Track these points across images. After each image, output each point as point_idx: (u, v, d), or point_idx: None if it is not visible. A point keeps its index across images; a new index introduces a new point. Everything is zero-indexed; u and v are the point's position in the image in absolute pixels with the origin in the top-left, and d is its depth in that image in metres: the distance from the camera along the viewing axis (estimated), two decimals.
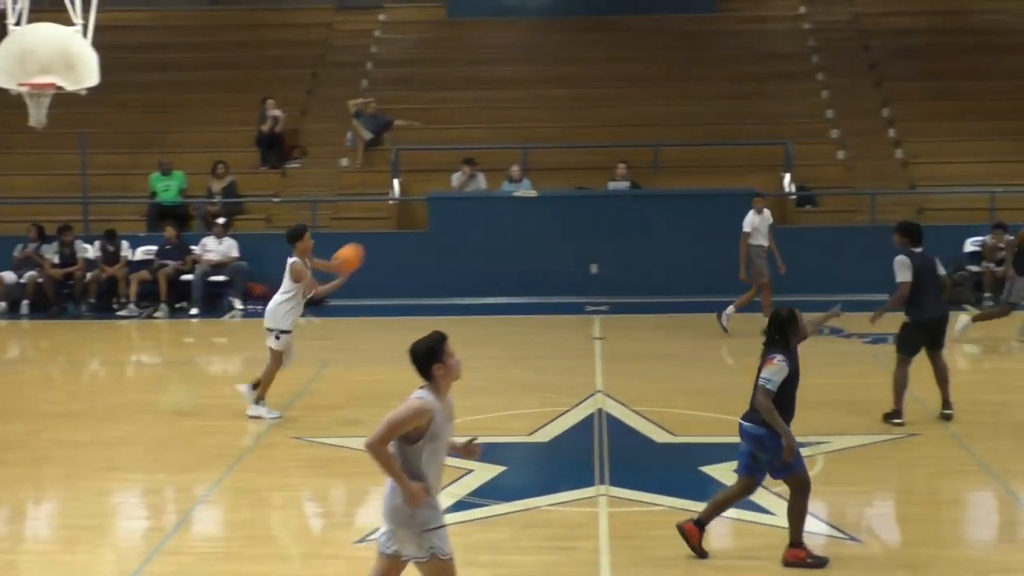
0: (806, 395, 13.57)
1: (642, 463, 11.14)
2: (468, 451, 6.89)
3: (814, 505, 9.77)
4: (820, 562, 8.43)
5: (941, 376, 12.25)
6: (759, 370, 8.43)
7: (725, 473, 10.48)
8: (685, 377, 14.78)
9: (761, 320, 17.36)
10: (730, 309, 17.34)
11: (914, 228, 12.23)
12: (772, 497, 9.86)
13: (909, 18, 26.67)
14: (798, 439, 8.49)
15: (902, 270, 11.89)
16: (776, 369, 8.30)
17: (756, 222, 17.46)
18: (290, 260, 12.68)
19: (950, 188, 21.47)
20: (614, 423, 12.37)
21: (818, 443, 11.25)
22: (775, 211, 21.02)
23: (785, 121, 23.25)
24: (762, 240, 17.44)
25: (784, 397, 8.38)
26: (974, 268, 19.62)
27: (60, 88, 13.68)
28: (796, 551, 8.46)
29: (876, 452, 10.91)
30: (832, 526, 9.27)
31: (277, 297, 12.73)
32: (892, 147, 23.22)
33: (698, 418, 12.64)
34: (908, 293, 11.84)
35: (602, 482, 10.31)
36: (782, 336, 8.42)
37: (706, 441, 11.74)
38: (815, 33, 26.63)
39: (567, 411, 12.76)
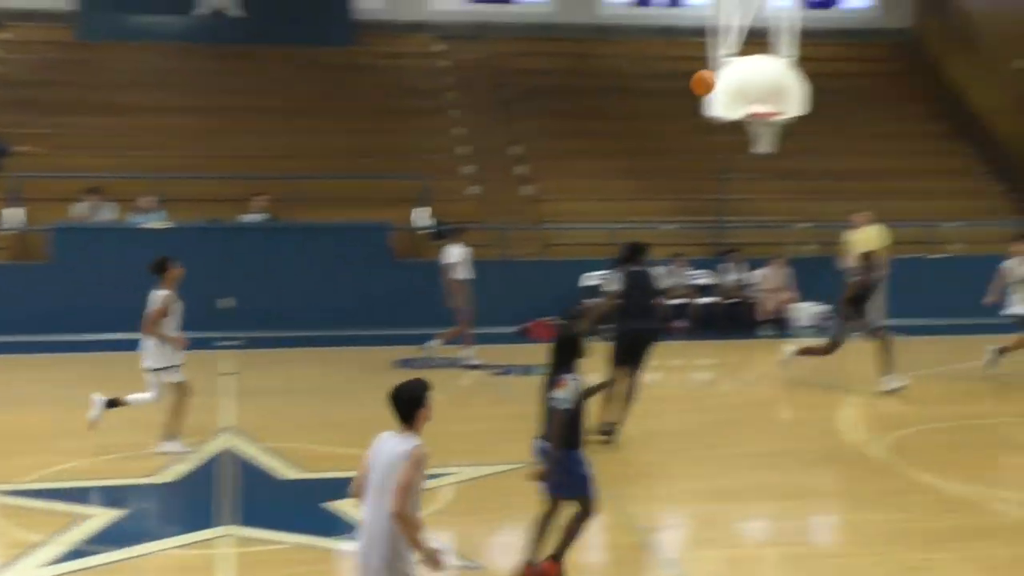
0: (442, 425, 13.78)
1: (268, 500, 10.95)
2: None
3: (443, 536, 9.90)
4: None
5: (626, 397, 12.75)
6: (549, 392, 8.48)
7: (351, 508, 10.44)
8: (318, 411, 14.67)
9: (423, 349, 17.68)
10: (467, 351, 17.40)
11: (632, 248, 12.76)
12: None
13: (539, 59, 27.71)
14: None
15: (612, 284, 12.63)
16: (569, 388, 8.38)
17: (460, 255, 17.54)
18: (157, 293, 12.13)
19: (575, 224, 22.36)
20: (241, 461, 12.11)
21: (448, 474, 11.42)
22: (408, 246, 21.39)
23: (420, 156, 23.62)
24: (466, 273, 17.55)
25: (577, 416, 8.49)
26: (594, 301, 20.44)
27: None
28: (553, 565, 8.59)
29: (507, 480, 11.15)
30: (458, 556, 9.38)
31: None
32: (522, 184, 23.99)
33: (329, 453, 12.57)
34: (611, 306, 12.53)
35: (227, 522, 10.06)
36: (570, 356, 8.51)
37: (335, 476, 11.65)
38: (450, 71, 27.24)
39: (193, 450, 12.41)
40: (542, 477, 8.53)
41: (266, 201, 21.28)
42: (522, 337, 19.38)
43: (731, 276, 20.96)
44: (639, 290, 12.53)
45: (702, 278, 21.10)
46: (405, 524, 6.35)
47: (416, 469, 6.46)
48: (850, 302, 15.55)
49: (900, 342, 19.48)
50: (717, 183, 22.53)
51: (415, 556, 6.45)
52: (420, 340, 18.84)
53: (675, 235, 22.25)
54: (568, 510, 8.77)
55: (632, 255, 12.70)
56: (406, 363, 17.47)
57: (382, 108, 25.38)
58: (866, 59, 28.81)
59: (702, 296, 20.91)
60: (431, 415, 6.76)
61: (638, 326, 12.54)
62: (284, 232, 21.03)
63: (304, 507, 10.72)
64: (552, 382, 8.58)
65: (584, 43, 28.51)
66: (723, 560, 9.79)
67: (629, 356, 12.63)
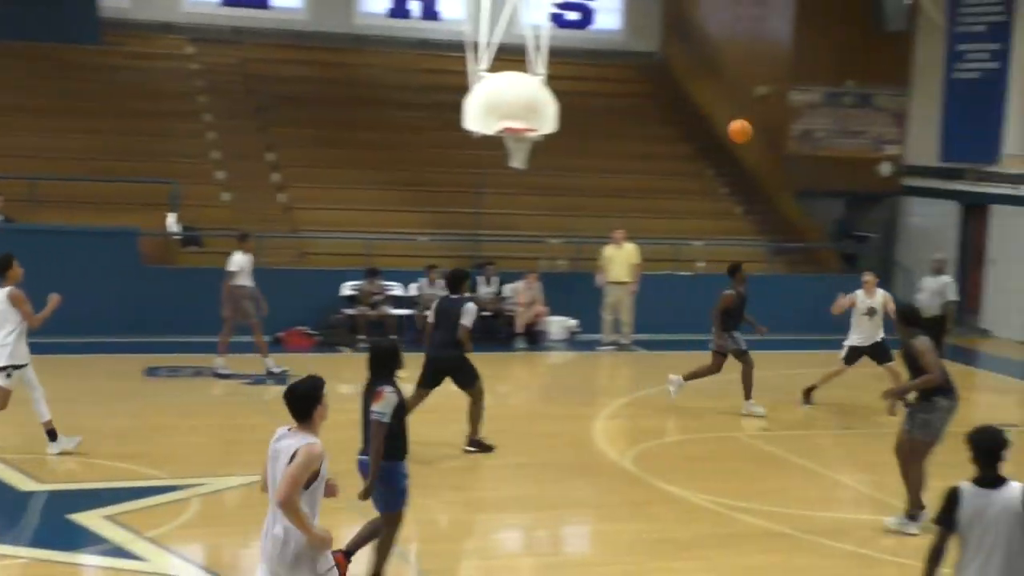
0: (190, 436, 13.48)
1: (4, 514, 10.42)
2: (331, 489, 6.89)
3: (189, 549, 9.64)
4: None
5: (471, 414, 13.27)
6: (367, 405, 8.55)
7: (94, 520, 10.04)
8: (60, 421, 14.02)
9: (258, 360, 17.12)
10: (220, 360, 16.84)
11: (451, 276, 13.41)
12: (145, 543, 9.58)
13: (294, 67, 27.34)
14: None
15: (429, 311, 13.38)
16: (386, 401, 8.47)
17: (243, 262, 17.08)
18: (5, 290, 11.99)
19: (329, 233, 22.12)
20: None
21: (197, 485, 11.12)
22: (159, 252, 20.77)
23: (171, 160, 22.95)
24: (247, 280, 17.08)
25: (399, 427, 8.62)
26: (350, 311, 20.26)
27: None
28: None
29: (257, 491, 10.94)
30: (205, 569, 9.14)
31: (3, 333, 11.75)
32: (276, 191, 23.63)
33: (71, 463, 12.06)
34: (426, 330, 13.41)
35: None
36: (387, 368, 8.66)
37: (77, 488, 11.21)
38: (202, 74, 26.61)
39: None
40: (367, 494, 8.60)
41: (2, 202, 20.26)
42: (276, 346, 19.03)
43: (486, 289, 21.11)
44: (443, 318, 12.97)
45: None
46: (289, 511, 6.52)
47: (304, 465, 6.55)
48: (723, 314, 15.60)
49: (648, 357, 20.10)
50: (472, 196, 22.69)
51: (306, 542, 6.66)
52: (171, 348, 18.35)
53: (431, 247, 22.26)
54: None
55: (450, 283, 13.32)
56: (155, 371, 16.95)
57: (131, 110, 24.50)
58: (616, 80, 29.50)
59: None
60: (327, 413, 6.80)
61: (435, 353, 13.10)
62: (23, 235, 20.03)
63: (44, 520, 10.26)
64: (369, 394, 8.66)
65: (340, 52, 28.24)
66: (479, 570, 9.87)
67: (431, 378, 13.13)
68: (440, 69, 26.55)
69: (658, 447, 13.99)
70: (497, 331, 20.69)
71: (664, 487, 12.19)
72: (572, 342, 21.09)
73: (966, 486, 6.59)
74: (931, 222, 25.22)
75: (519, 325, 20.62)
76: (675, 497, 11.87)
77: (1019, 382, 18.35)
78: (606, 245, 20.81)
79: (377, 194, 23.64)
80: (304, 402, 6.74)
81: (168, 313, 19.36)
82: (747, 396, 15.73)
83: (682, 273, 22.49)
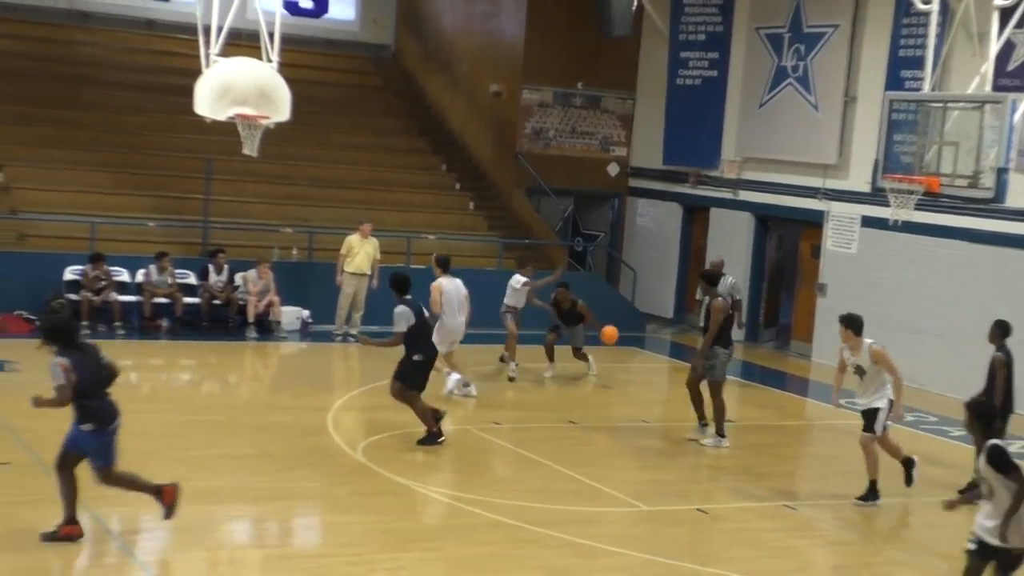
0: None
1: None
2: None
3: None
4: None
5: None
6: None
7: None
8: None
9: None
10: None
11: (399, 279, 14.00)
12: None
13: (9, 41, 26.01)
14: None
15: (400, 322, 13.61)
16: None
17: None
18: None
19: (51, 215, 21.25)
20: None
21: None
22: None
23: None
24: None
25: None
26: (73, 296, 19.50)
27: None
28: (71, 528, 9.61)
29: None
30: None
31: None
32: None
33: None
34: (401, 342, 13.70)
35: None
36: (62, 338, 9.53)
37: None
38: None
39: None
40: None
41: None
42: None
43: (217, 277, 20.67)
44: (421, 318, 14.03)
45: (188, 278, 20.69)
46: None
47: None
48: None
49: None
50: (202, 183, 22.19)
51: None
52: None
53: (159, 233, 21.66)
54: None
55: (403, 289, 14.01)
56: None
57: None
58: (350, 71, 29.33)
59: (187, 296, 20.47)
60: None
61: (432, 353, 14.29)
62: None
63: None
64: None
65: (62, 28, 27.01)
66: (202, 562, 9.71)
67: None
68: (169, 51, 25.91)
69: (389, 439, 14.04)
70: (228, 320, 20.33)
71: (394, 478, 12.27)
72: (304, 332, 20.93)
73: None
74: (655, 223, 26.15)
75: (250, 314, 20.32)
76: (405, 489, 11.98)
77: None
78: (351, 235, 20.63)
79: (103, 176, 22.89)
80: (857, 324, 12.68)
81: None
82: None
83: (415, 267, 22.62)
